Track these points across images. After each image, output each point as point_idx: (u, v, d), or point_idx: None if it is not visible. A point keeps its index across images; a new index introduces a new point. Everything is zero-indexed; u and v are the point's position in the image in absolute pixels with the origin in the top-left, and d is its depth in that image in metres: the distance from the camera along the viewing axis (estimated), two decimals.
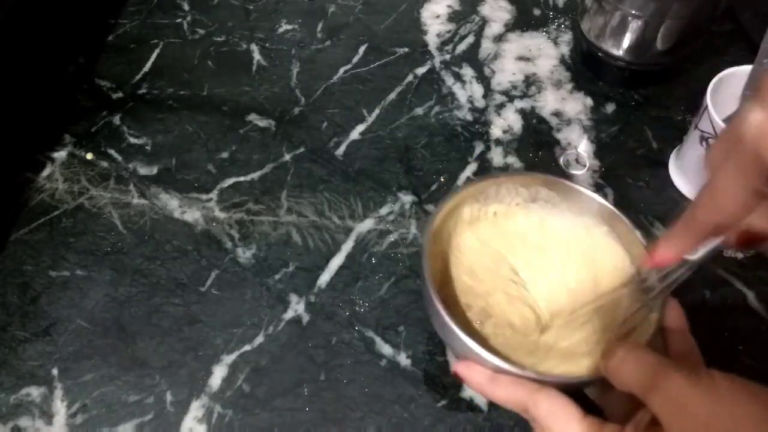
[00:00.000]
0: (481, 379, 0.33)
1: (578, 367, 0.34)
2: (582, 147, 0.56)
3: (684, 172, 0.52)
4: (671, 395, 0.26)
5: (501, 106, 0.59)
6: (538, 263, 0.39)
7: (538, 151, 0.56)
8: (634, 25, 0.53)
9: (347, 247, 0.50)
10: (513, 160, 0.55)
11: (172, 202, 0.53)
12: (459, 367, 0.34)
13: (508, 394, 0.31)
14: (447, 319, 0.33)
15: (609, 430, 0.28)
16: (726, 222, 0.27)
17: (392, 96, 0.60)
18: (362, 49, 0.64)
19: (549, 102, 0.59)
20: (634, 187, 0.53)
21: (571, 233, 0.39)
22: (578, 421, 0.29)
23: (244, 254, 0.50)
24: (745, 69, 0.48)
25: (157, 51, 0.64)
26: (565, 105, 0.58)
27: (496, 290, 0.38)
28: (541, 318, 0.37)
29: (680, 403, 0.26)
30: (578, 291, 0.38)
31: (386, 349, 0.45)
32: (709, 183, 0.27)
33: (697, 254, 0.30)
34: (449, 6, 0.67)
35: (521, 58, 0.62)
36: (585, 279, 0.38)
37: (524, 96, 0.59)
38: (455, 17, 0.66)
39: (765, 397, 0.25)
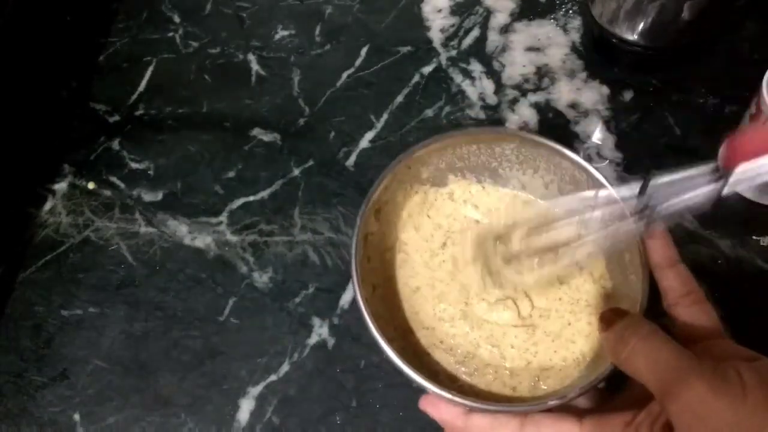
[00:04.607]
0: (452, 418, 0.30)
1: (570, 352, 0.35)
2: (602, 139, 0.53)
3: None
4: (690, 405, 0.23)
5: (514, 102, 0.56)
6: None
7: None
8: (650, 7, 0.50)
9: None
10: None
11: (181, 228, 0.51)
12: (425, 404, 0.32)
13: None
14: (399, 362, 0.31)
15: (610, 430, 0.27)
16: None
17: (399, 98, 0.57)
18: (364, 50, 0.61)
19: (564, 93, 0.56)
20: None
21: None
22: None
23: (261, 278, 0.48)
24: None
25: (150, 68, 0.62)
26: (581, 95, 0.56)
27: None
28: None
29: (700, 415, 0.23)
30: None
31: None
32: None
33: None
34: None
35: (531, 49, 0.60)
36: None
37: (537, 89, 0.57)
38: (458, 10, 0.63)
39: None
